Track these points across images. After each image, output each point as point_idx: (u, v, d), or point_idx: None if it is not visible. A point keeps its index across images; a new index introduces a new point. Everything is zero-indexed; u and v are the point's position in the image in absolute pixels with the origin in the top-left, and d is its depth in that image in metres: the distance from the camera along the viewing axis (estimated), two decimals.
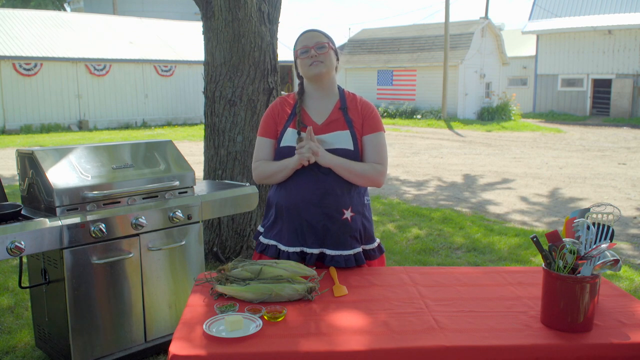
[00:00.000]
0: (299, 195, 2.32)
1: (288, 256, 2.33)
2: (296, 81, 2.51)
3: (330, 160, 2.29)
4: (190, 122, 22.33)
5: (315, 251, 2.32)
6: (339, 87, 2.49)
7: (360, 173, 2.32)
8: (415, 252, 5.35)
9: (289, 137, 2.36)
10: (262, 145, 2.45)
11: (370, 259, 2.44)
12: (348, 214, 2.33)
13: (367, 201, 2.47)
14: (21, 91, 18.70)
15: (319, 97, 2.43)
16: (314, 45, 2.35)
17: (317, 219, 2.30)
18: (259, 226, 2.53)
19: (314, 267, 2.21)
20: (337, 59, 2.45)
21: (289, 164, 2.30)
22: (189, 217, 3.23)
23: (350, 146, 2.34)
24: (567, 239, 1.85)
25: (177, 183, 3.19)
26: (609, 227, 1.91)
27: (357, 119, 2.39)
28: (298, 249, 2.33)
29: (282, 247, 2.35)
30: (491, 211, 7.35)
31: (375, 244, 2.48)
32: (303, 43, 2.38)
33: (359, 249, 2.38)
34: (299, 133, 2.33)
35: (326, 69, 2.37)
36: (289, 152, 2.33)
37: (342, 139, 2.34)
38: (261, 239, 2.45)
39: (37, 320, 3.18)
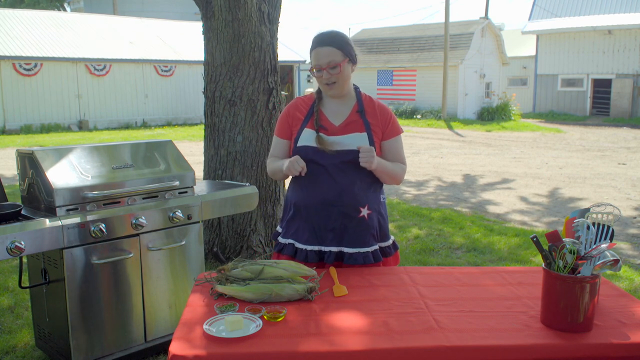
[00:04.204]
0: (316, 195, 2.35)
1: (306, 254, 2.35)
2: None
3: (378, 164, 2.31)
4: (190, 122, 22.32)
5: (334, 249, 2.35)
6: (355, 89, 2.49)
7: (394, 175, 2.42)
8: (415, 252, 5.35)
9: (306, 137, 2.38)
10: (275, 144, 2.52)
11: (386, 256, 2.48)
12: (365, 212, 2.36)
13: (383, 199, 2.51)
14: (21, 91, 18.70)
15: (337, 101, 2.45)
16: (326, 66, 2.33)
17: (335, 217, 2.33)
18: (278, 226, 2.57)
19: (314, 268, 2.21)
20: (355, 62, 2.41)
21: (281, 167, 2.37)
22: (189, 217, 3.23)
23: None
24: (567, 239, 1.85)
25: (177, 183, 3.19)
26: (609, 227, 1.91)
27: (375, 122, 2.41)
28: (316, 248, 2.36)
29: (300, 246, 2.38)
30: (491, 211, 7.35)
31: (390, 241, 2.52)
32: (316, 61, 2.35)
33: (376, 247, 2.42)
34: (317, 132, 2.36)
35: (340, 88, 2.38)
36: (305, 151, 2.36)
37: (359, 141, 2.35)
38: (279, 239, 2.49)
39: (37, 320, 3.18)
